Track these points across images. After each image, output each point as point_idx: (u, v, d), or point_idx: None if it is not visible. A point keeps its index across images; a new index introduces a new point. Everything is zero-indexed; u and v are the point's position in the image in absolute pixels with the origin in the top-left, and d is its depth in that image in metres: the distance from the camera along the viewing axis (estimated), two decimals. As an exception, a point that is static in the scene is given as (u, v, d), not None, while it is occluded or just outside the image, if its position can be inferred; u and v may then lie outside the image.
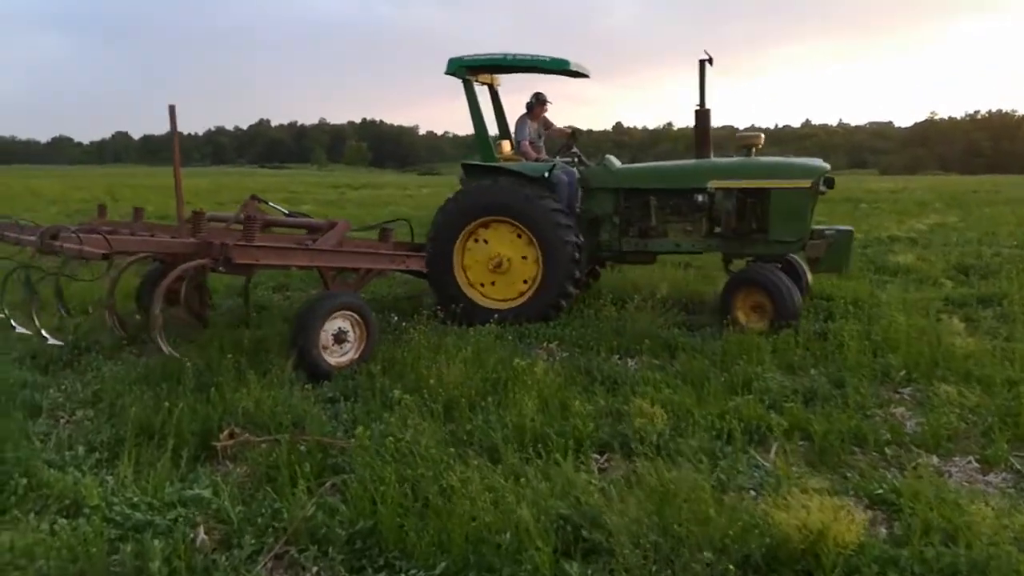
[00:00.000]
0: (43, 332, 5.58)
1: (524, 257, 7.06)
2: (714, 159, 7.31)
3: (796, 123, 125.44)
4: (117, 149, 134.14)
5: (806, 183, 6.72)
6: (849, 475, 3.68)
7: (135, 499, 3.31)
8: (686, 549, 2.82)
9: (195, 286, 6.20)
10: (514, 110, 8.34)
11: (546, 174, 7.11)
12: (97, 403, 4.65)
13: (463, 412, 4.29)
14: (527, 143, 7.89)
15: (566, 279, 6.92)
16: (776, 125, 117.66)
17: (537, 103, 8.09)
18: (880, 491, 3.40)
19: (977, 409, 4.47)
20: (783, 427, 4.15)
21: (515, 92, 8.70)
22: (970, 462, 3.87)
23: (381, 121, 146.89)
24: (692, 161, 7.39)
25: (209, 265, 5.45)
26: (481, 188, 7.22)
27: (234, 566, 2.89)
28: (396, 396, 4.16)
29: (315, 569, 2.92)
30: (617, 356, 5.94)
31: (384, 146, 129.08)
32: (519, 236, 7.07)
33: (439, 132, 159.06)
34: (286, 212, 7.45)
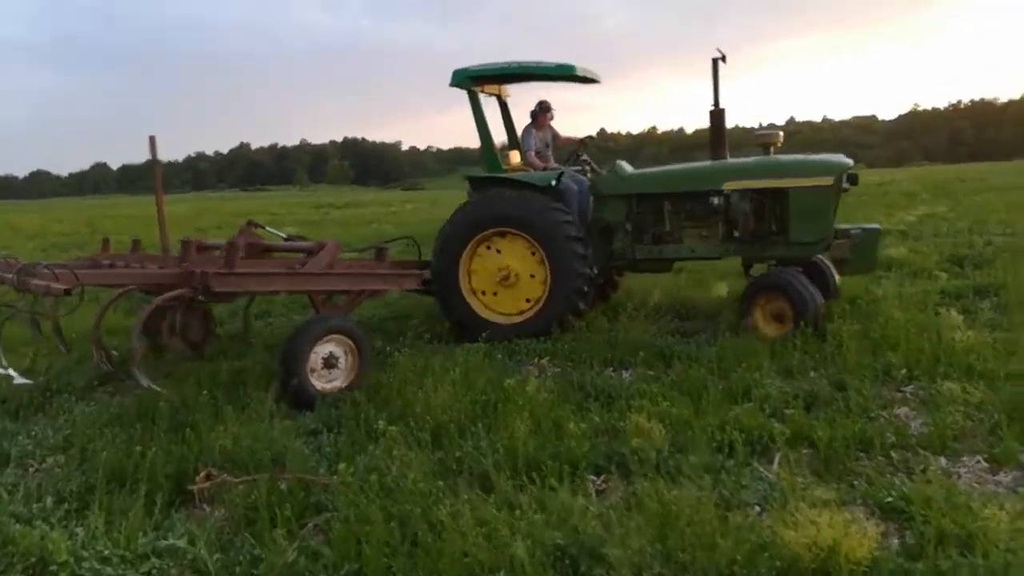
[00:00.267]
0: (11, 371, 5.39)
1: (532, 276, 6.86)
2: (730, 160, 7.07)
3: (781, 121, 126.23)
4: (96, 180, 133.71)
5: (827, 181, 6.39)
6: (856, 483, 3.53)
7: (106, 552, 3.11)
8: (692, 577, 2.65)
9: (197, 315, 6.04)
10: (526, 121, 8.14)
11: (553, 183, 6.92)
12: (68, 448, 4.43)
13: (452, 438, 4.10)
14: (533, 153, 7.72)
15: (575, 292, 6.69)
16: (761, 124, 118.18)
17: (541, 111, 7.91)
18: (890, 499, 3.25)
19: (982, 406, 4.33)
20: (786, 436, 3.99)
21: (529, 104, 8.45)
22: (979, 462, 3.73)
23: (363, 139, 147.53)
24: (706, 163, 7.14)
25: (187, 295, 5.32)
26: (487, 199, 7.04)
27: (211, 622, 2.69)
28: (381, 428, 3.97)
29: (298, 620, 2.73)
30: (611, 368, 5.78)
31: (367, 163, 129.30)
32: (530, 250, 6.87)
33: (422, 147, 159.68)
34: (284, 236, 7.30)
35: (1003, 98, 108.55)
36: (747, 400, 4.71)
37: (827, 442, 3.86)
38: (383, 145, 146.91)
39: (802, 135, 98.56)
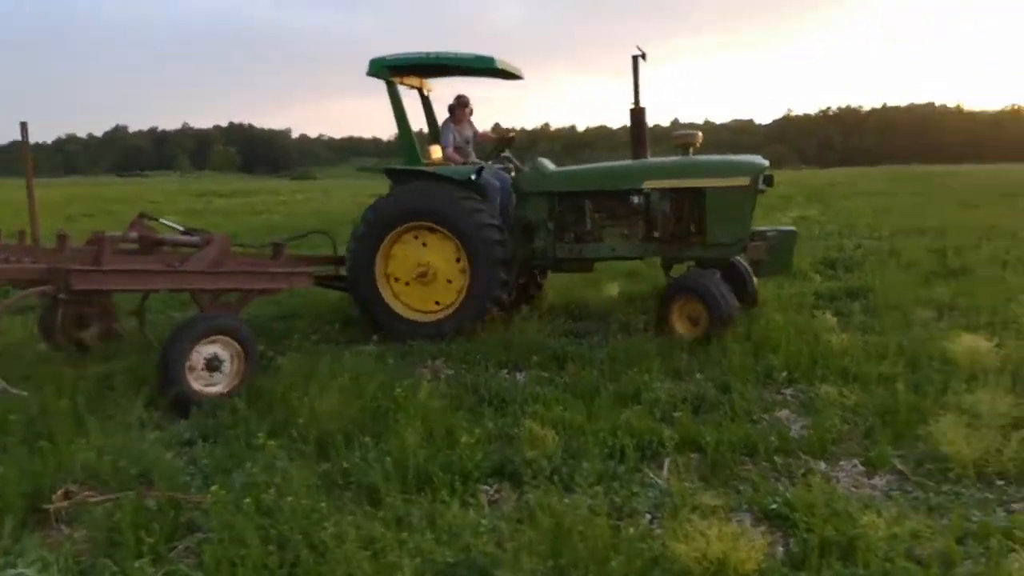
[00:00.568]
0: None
1: (450, 274, 6.72)
2: (650, 159, 7.07)
3: (665, 122, 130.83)
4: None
5: (744, 181, 6.41)
6: (742, 489, 3.60)
7: (-59, 588, 2.76)
8: (585, 594, 2.61)
9: (97, 310, 6.04)
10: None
11: (473, 177, 6.76)
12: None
13: (339, 449, 3.91)
14: (451, 148, 7.54)
15: (495, 287, 6.57)
16: (658, 124, 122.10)
17: (458, 105, 7.74)
18: (774, 505, 3.32)
19: (858, 408, 4.54)
20: (675, 440, 4.05)
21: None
22: (855, 465, 3.89)
23: (250, 125, 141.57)
24: (627, 162, 7.12)
25: (51, 292, 5.05)
26: (404, 193, 6.84)
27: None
28: (261, 441, 3.72)
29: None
30: (505, 371, 5.72)
31: (254, 150, 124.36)
32: (450, 246, 6.71)
33: (313, 135, 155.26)
34: (182, 229, 6.82)
35: (866, 106, 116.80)
36: (637, 403, 4.76)
37: (714, 446, 3.94)
38: (272, 132, 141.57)
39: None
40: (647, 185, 6.67)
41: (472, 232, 6.54)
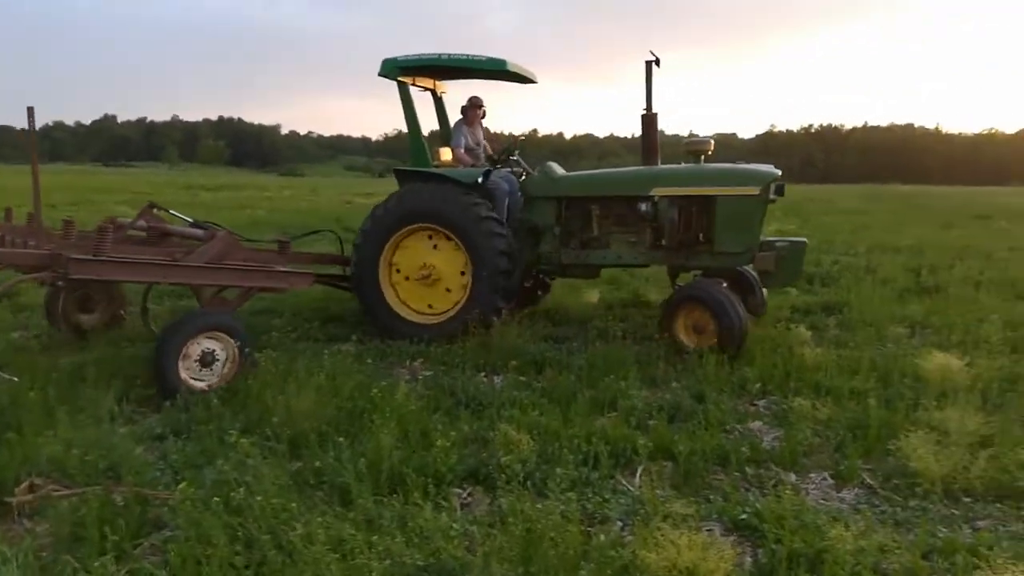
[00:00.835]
0: None
1: (455, 276, 6.71)
2: (660, 166, 6.98)
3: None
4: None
5: (754, 190, 6.32)
6: (713, 498, 3.63)
7: None
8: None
9: (106, 295, 6.44)
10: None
11: (480, 180, 6.74)
12: None
13: (312, 448, 3.88)
14: (462, 149, 7.50)
15: (495, 292, 6.53)
16: (632, 135, 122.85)
17: (471, 107, 7.70)
18: (744, 516, 3.35)
19: (829, 422, 4.59)
20: (648, 448, 4.06)
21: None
22: (825, 478, 3.93)
23: (240, 119, 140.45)
24: (636, 168, 7.06)
25: (49, 279, 5.17)
26: (410, 193, 6.81)
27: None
28: (233, 438, 3.69)
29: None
30: (483, 374, 5.73)
31: (243, 145, 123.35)
32: (456, 249, 6.68)
33: (302, 132, 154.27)
34: (191, 221, 6.78)
35: (848, 125, 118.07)
36: (613, 410, 4.79)
37: (687, 455, 3.96)
38: (261, 127, 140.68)
39: (670, 147, 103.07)
40: (656, 192, 6.57)
41: (477, 238, 6.52)
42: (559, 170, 7.21)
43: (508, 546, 2.92)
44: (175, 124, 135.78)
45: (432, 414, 4.57)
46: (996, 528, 3.30)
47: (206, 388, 4.88)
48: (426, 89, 7.71)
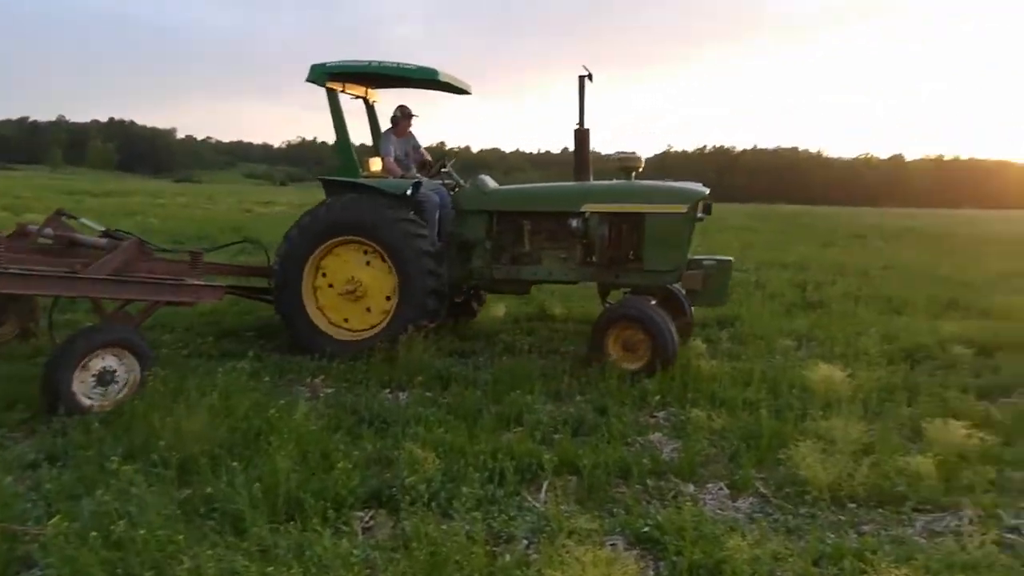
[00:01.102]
0: None
1: (382, 291, 6.53)
2: (590, 182, 6.92)
3: (556, 149, 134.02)
4: None
5: (682, 208, 6.30)
6: (616, 511, 3.67)
7: None
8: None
9: (16, 308, 6.17)
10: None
11: (409, 192, 6.56)
12: None
13: (203, 474, 3.67)
14: (391, 159, 7.27)
15: (422, 308, 6.36)
16: (539, 150, 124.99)
17: (402, 116, 7.46)
18: (646, 529, 3.40)
19: (724, 432, 4.75)
20: (554, 463, 4.08)
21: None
22: (721, 488, 4.05)
23: (132, 122, 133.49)
24: (567, 183, 6.98)
25: None
26: (336, 205, 6.59)
27: None
28: (115, 465, 3.44)
29: None
30: (388, 391, 5.61)
31: (134, 149, 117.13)
32: (381, 260, 6.51)
33: (199, 137, 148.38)
34: (103, 230, 6.35)
35: (739, 147, 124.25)
36: (519, 425, 4.79)
37: (591, 469, 3.99)
38: (155, 130, 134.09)
39: (569, 165, 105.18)
40: (587, 208, 6.52)
41: (404, 252, 6.37)
42: (491, 183, 7.13)
43: (411, 571, 2.85)
44: (61, 124, 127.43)
45: (333, 434, 4.43)
46: (879, 532, 3.49)
47: (92, 408, 4.60)
48: (357, 97, 7.55)
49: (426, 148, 7.78)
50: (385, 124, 7.61)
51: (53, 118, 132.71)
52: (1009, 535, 3.47)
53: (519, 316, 8.50)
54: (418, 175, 7.34)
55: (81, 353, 4.66)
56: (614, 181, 6.87)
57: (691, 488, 4.02)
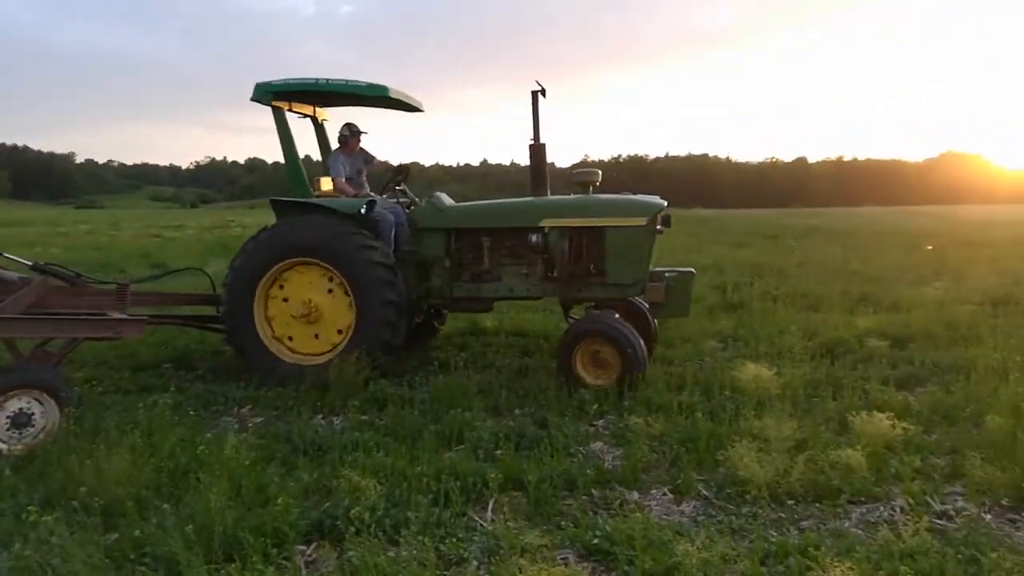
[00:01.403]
0: None
1: (338, 313, 6.32)
2: (549, 197, 6.81)
3: (475, 162, 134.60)
4: None
5: (641, 221, 6.31)
6: (564, 524, 3.65)
7: None
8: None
9: None
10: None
11: (363, 211, 6.36)
12: None
13: (131, 517, 3.45)
14: (342, 179, 7.03)
15: (383, 331, 6.15)
16: (458, 163, 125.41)
17: (351, 135, 7.24)
18: (595, 540, 3.39)
19: (663, 437, 4.80)
20: (499, 480, 4.03)
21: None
22: (665, 493, 4.09)
23: (25, 147, 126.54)
24: (526, 199, 6.85)
25: None
26: (287, 227, 6.35)
27: None
28: (33, 516, 3.19)
29: None
30: (321, 416, 5.45)
31: (29, 175, 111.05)
32: (331, 280, 6.30)
33: (101, 161, 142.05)
34: (30, 264, 5.92)
35: (652, 155, 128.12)
36: (460, 443, 4.72)
37: (536, 484, 3.97)
38: (52, 155, 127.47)
39: (494, 176, 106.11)
40: (546, 223, 6.47)
41: (360, 270, 6.18)
42: (447, 200, 7.01)
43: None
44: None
45: (267, 466, 4.26)
46: (818, 527, 3.59)
47: (2, 452, 4.33)
48: (305, 115, 7.34)
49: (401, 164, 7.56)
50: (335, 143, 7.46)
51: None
52: (939, 521, 3.64)
53: (451, 332, 8.42)
54: (371, 194, 7.21)
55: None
56: (572, 195, 6.87)
57: (636, 495, 4.05)
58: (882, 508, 3.80)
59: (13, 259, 6.14)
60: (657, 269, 6.70)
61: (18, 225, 32.33)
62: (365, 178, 7.47)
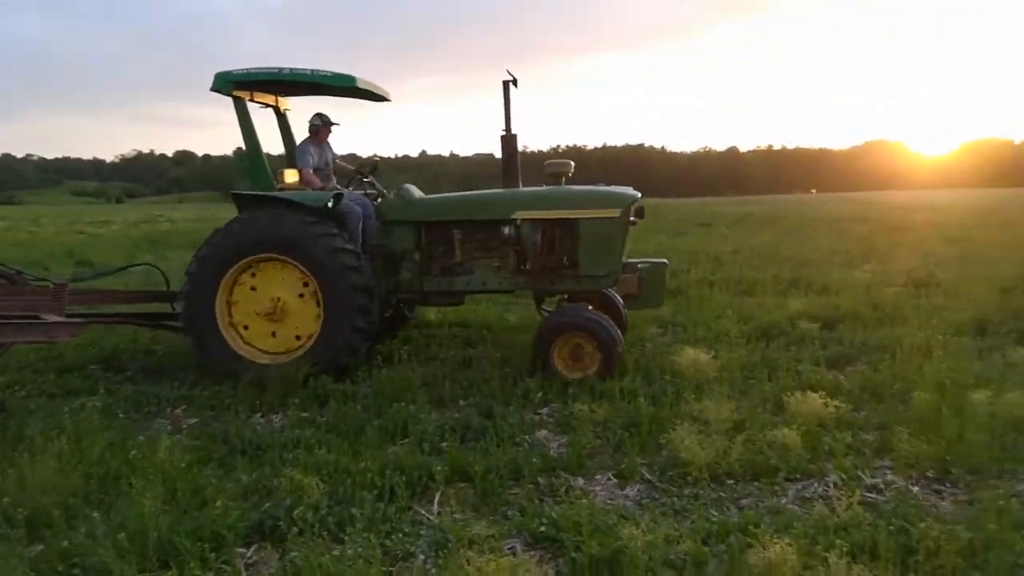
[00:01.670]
0: None
1: (304, 310, 6.12)
2: (521, 188, 6.71)
3: (414, 153, 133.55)
4: None
5: (615, 212, 6.25)
6: (511, 514, 3.66)
7: None
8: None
9: None
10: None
11: (329, 204, 6.14)
12: None
13: (57, 526, 3.30)
14: (310, 170, 6.78)
15: (352, 328, 5.97)
16: (396, 154, 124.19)
17: (322, 125, 7.00)
18: (542, 528, 3.40)
19: (607, 423, 4.85)
20: (445, 472, 4.01)
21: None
22: (609, 478, 4.13)
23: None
24: (497, 191, 6.73)
25: None
26: (250, 221, 6.11)
27: None
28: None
29: None
30: (259, 414, 5.32)
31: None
32: (302, 280, 6.10)
33: (19, 155, 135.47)
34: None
35: (590, 145, 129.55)
36: (405, 437, 4.68)
37: (482, 475, 3.96)
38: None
39: (431, 167, 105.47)
40: (518, 215, 6.39)
41: (327, 266, 5.98)
42: (417, 192, 6.86)
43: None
44: None
45: (203, 467, 4.13)
46: (757, 505, 3.69)
47: None
48: (267, 106, 7.08)
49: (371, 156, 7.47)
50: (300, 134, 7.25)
51: None
52: (870, 495, 3.78)
53: (392, 324, 8.32)
54: (338, 186, 7.01)
55: None
56: (545, 187, 6.76)
57: (581, 482, 4.08)
58: (817, 484, 3.93)
59: None
60: (630, 260, 6.69)
61: (-73, 223, 30.53)
62: (332, 171, 7.31)
